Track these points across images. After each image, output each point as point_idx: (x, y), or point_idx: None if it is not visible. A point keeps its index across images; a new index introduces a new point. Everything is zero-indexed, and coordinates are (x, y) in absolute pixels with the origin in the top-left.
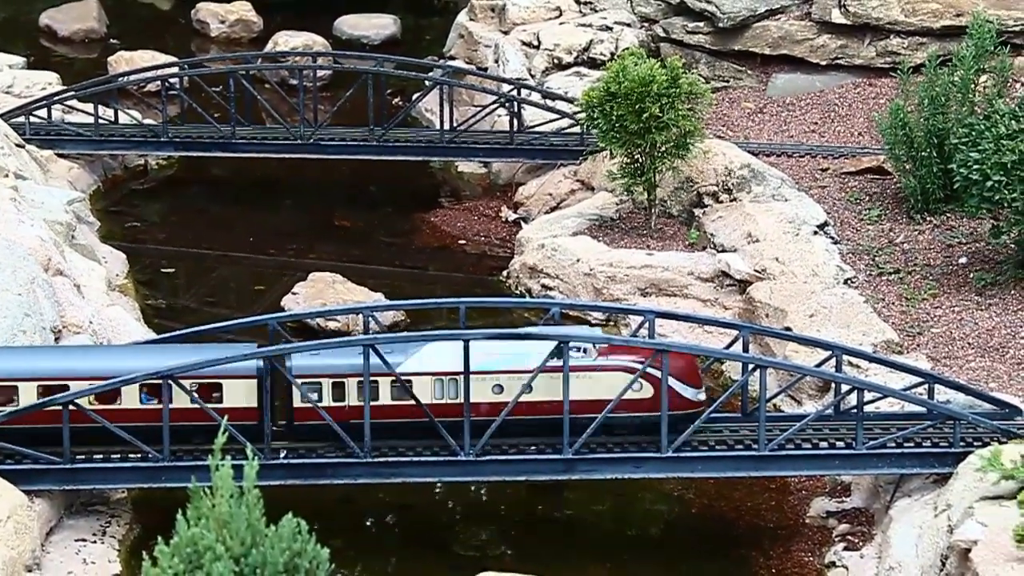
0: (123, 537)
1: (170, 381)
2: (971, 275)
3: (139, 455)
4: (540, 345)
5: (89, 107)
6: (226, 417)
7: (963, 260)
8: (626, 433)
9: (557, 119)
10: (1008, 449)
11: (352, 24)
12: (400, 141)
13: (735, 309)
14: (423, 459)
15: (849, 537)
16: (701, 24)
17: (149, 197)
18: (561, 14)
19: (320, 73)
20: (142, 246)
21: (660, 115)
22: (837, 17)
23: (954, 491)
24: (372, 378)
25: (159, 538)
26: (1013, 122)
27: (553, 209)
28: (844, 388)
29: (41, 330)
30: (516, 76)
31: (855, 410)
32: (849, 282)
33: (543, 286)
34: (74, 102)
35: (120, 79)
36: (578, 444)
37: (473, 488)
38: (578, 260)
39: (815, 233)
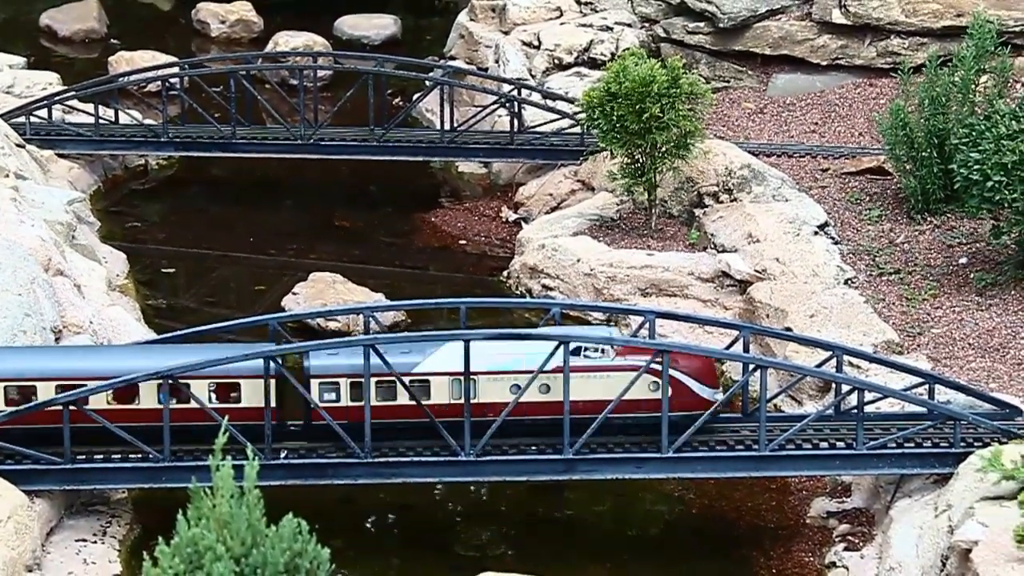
0: (123, 537)
1: (186, 381)
2: (971, 275)
3: (140, 455)
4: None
5: (89, 107)
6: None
7: (963, 260)
8: (646, 433)
9: (557, 119)
10: (1008, 449)
11: (352, 24)
12: (400, 141)
13: (735, 309)
14: (424, 459)
15: (849, 537)
16: (701, 24)
17: (149, 197)
18: (562, 14)
19: (320, 73)
20: (142, 246)
21: (660, 115)
22: (838, 17)
23: (955, 491)
24: (389, 378)
25: (160, 538)
26: (1013, 122)
27: (553, 209)
28: (844, 388)
29: (41, 330)
30: (516, 76)
31: (855, 410)
32: (849, 282)
33: (543, 286)
34: (74, 102)
35: (120, 79)
36: (579, 444)
37: (473, 488)
38: (578, 260)
39: (815, 233)
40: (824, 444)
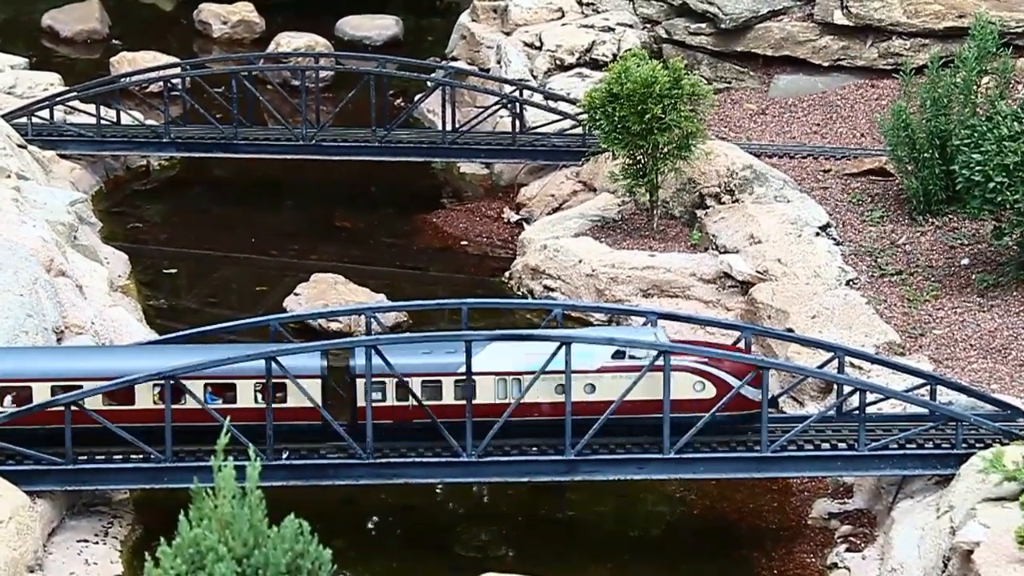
0: (125, 538)
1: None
2: (973, 276)
3: (141, 455)
4: (603, 347)
5: (91, 108)
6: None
7: (965, 261)
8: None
9: (559, 120)
10: (1010, 450)
11: (354, 25)
12: (402, 142)
13: (737, 310)
14: (425, 460)
15: (851, 538)
16: (703, 25)
17: (151, 198)
18: (563, 15)
19: (322, 74)
20: (144, 247)
21: (662, 116)
22: (839, 18)
23: (956, 492)
24: (435, 378)
25: (161, 539)
26: (1015, 123)
27: (555, 210)
28: (846, 389)
29: (43, 331)
30: (518, 77)
31: (857, 411)
32: (851, 283)
33: (545, 287)
34: (76, 103)
35: (122, 80)
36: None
37: (475, 489)
38: (580, 261)
39: (817, 234)
40: (826, 445)
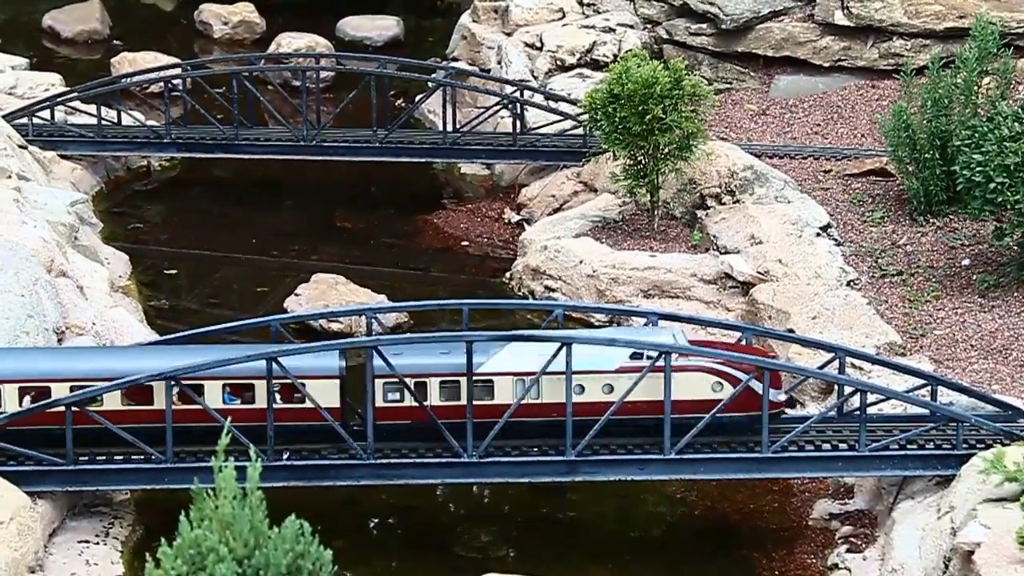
0: (126, 539)
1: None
2: (974, 277)
3: (142, 456)
4: (622, 348)
5: (92, 108)
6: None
7: (966, 262)
8: (708, 433)
9: (560, 121)
10: (1011, 451)
11: (355, 26)
12: (403, 143)
13: (738, 311)
14: (426, 460)
15: (852, 539)
16: (704, 26)
17: (152, 198)
18: (564, 16)
19: (323, 75)
20: (145, 247)
21: (663, 117)
22: (840, 19)
23: (957, 493)
24: (453, 378)
25: (162, 540)
26: (1016, 124)
27: (556, 211)
28: (847, 390)
29: (44, 331)
30: (519, 78)
31: (858, 412)
32: (852, 284)
33: (546, 288)
34: (77, 103)
35: (123, 80)
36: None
37: (476, 490)
38: (581, 262)
39: (818, 235)
40: (827, 446)
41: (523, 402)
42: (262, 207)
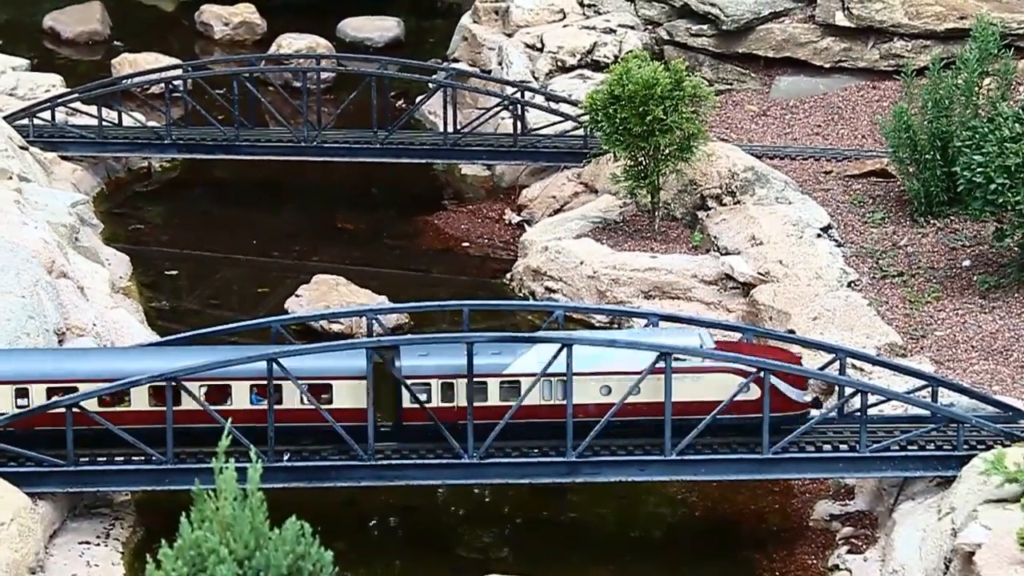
0: (127, 540)
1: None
2: (975, 278)
3: (143, 457)
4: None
5: (93, 109)
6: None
7: (967, 263)
8: (732, 434)
9: (561, 122)
10: (1012, 452)
11: (356, 26)
12: (403, 144)
13: (738, 312)
14: (427, 461)
15: (853, 540)
16: (705, 27)
17: (152, 199)
18: (565, 16)
19: (324, 75)
20: (145, 248)
21: (664, 118)
22: (841, 20)
23: (958, 494)
24: (480, 378)
25: (163, 541)
26: (1017, 125)
27: (557, 212)
28: (848, 391)
29: (45, 332)
30: (520, 78)
31: (859, 413)
32: (853, 285)
33: (547, 289)
34: (78, 104)
35: (124, 81)
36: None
37: (476, 491)
38: (581, 263)
39: (819, 236)
40: (827, 447)
41: (549, 403)
42: (263, 208)
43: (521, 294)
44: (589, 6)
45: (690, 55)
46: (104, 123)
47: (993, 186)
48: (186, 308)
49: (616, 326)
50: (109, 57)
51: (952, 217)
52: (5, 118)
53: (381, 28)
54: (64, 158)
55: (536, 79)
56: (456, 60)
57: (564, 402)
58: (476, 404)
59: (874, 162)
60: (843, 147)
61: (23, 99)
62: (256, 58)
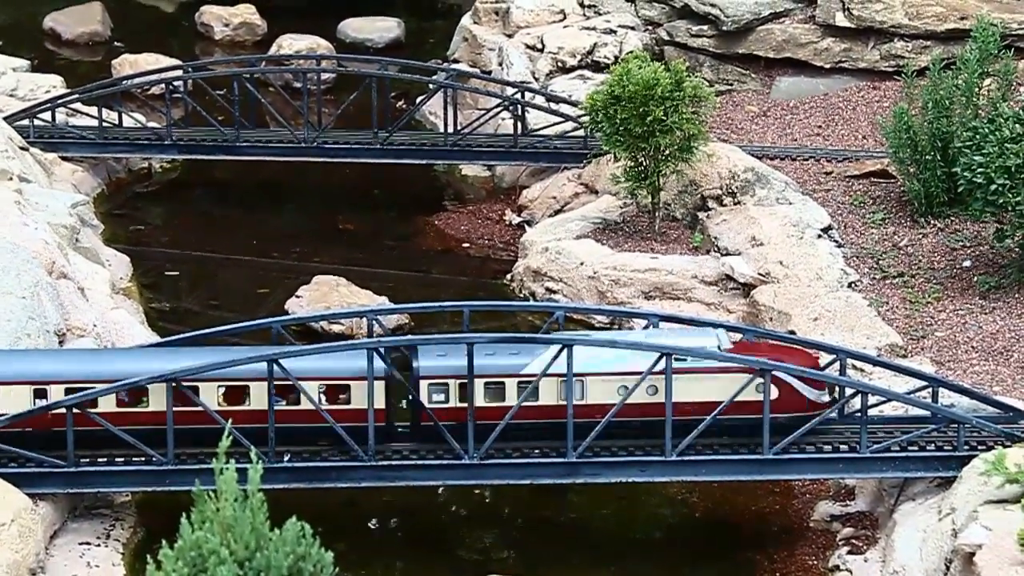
0: (127, 540)
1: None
2: (975, 279)
3: (143, 458)
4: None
5: (93, 110)
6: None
7: (967, 263)
8: (748, 434)
9: (561, 122)
10: (1012, 453)
11: (356, 27)
12: (404, 144)
13: (739, 312)
14: (427, 462)
15: (853, 541)
16: (705, 27)
17: (153, 200)
18: (565, 17)
19: (324, 76)
20: (146, 249)
21: (664, 118)
22: (841, 20)
23: (958, 495)
24: (499, 379)
25: (163, 541)
26: (1017, 125)
27: (557, 212)
28: (848, 391)
29: (45, 333)
30: (520, 79)
31: (859, 414)
32: (853, 285)
33: (547, 289)
34: (78, 105)
35: (124, 82)
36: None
37: (477, 491)
38: (582, 263)
39: (819, 236)
40: (828, 447)
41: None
42: (263, 209)
43: (521, 295)
44: (589, 7)
45: (690, 56)
46: (104, 124)
47: (993, 187)
48: (186, 309)
49: (616, 326)
50: (109, 58)
51: (952, 218)
52: (5, 119)
53: (381, 29)
54: (64, 159)
55: (536, 80)
56: (456, 61)
57: (581, 402)
58: (494, 404)
59: (874, 163)
60: (843, 148)
61: (23, 100)
62: (256, 59)
